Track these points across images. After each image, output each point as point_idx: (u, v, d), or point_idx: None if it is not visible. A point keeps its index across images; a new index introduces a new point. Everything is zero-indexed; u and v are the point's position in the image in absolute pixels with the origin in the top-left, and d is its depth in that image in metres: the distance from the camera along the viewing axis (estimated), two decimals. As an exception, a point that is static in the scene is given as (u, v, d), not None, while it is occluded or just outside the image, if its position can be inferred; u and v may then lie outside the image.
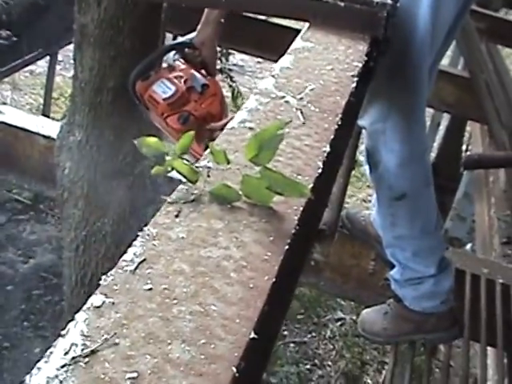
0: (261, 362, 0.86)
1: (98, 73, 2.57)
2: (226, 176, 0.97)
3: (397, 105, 2.14)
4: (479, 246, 3.56)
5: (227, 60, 6.05)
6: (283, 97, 1.24)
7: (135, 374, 0.67)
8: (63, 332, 0.71)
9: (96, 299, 0.75)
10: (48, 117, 5.26)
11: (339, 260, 3.12)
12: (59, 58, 5.85)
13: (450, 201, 4.90)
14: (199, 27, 2.38)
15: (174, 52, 2.45)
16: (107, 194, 2.70)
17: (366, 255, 3.11)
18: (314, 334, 4.97)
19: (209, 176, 0.96)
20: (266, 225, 0.91)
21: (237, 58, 7.42)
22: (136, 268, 0.79)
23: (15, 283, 4.76)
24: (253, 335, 0.74)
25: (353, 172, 2.72)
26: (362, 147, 2.60)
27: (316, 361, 4.77)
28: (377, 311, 2.57)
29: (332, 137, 1.15)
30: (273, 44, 3.31)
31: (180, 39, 2.63)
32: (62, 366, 0.67)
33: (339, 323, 5.06)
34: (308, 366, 4.72)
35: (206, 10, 2.34)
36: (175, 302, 0.76)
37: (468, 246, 4.77)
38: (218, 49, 2.61)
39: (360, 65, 1.46)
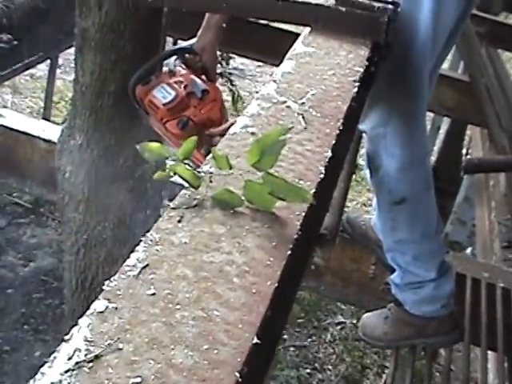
0: (263, 367, 0.86)
1: (98, 77, 2.57)
2: (229, 181, 0.98)
3: (397, 109, 2.14)
4: (480, 250, 3.56)
5: (228, 64, 6.05)
6: (285, 102, 1.24)
7: (139, 379, 0.67)
8: (67, 337, 0.71)
9: (99, 304, 0.75)
10: (48, 120, 5.26)
11: (340, 264, 3.12)
12: (60, 61, 5.85)
13: (451, 205, 4.90)
14: (200, 32, 2.39)
15: (174, 57, 2.46)
16: (108, 198, 2.70)
17: (366, 259, 3.11)
18: (314, 338, 4.96)
19: (211, 181, 0.96)
20: (269, 230, 0.91)
21: (237, 61, 7.42)
22: (139, 273, 0.79)
23: (15, 287, 4.76)
24: (256, 340, 0.74)
25: (353, 176, 2.73)
26: (362, 151, 2.61)
27: (316, 365, 4.76)
28: (377, 315, 2.57)
29: (333, 142, 1.15)
30: (273, 48, 3.31)
31: (181, 44, 2.64)
32: (66, 371, 0.67)
33: (339, 327, 5.05)
34: (308, 370, 4.71)
35: (206, 15, 2.35)
36: (178, 307, 0.76)
37: (468, 250, 4.76)
38: (219, 53, 2.62)
39: (361, 70, 1.46)
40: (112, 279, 0.78)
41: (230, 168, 0.97)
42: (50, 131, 3.49)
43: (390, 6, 1.68)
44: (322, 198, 1.10)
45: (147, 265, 0.81)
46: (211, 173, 0.98)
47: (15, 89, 6.79)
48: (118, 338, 0.71)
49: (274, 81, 1.32)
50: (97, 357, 0.69)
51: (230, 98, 5.97)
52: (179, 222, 0.89)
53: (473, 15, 3.84)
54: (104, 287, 0.77)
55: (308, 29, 1.71)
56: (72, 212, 2.75)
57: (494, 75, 4.26)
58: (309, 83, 1.34)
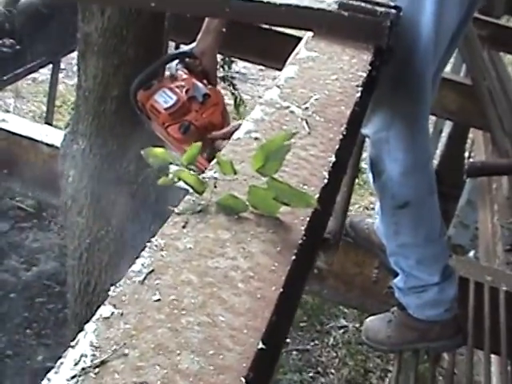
0: (268, 372, 0.86)
1: (101, 81, 2.58)
2: (233, 186, 0.98)
3: (400, 113, 2.14)
4: (482, 254, 3.56)
5: (230, 68, 6.06)
6: (288, 107, 1.24)
7: (145, 385, 0.67)
8: (73, 343, 0.71)
9: (105, 310, 0.75)
10: (51, 125, 5.27)
11: (342, 268, 3.12)
12: (62, 65, 5.85)
13: (453, 208, 4.90)
14: (199, 37, 2.40)
15: (176, 61, 2.46)
16: (111, 202, 2.71)
17: (369, 263, 3.10)
18: (316, 342, 4.96)
19: (215, 186, 0.96)
20: (273, 235, 0.91)
21: (239, 65, 7.43)
22: (144, 279, 0.80)
23: (18, 291, 4.76)
24: (261, 345, 0.75)
25: (356, 180, 2.73)
26: (364, 155, 2.61)
27: (319, 368, 4.76)
28: (380, 319, 2.57)
29: (337, 147, 1.15)
30: (275, 52, 3.32)
31: (182, 48, 2.65)
32: (72, 377, 0.67)
33: (342, 331, 5.05)
34: (311, 374, 4.71)
35: (206, 20, 2.35)
36: (184, 312, 0.76)
37: (471, 253, 4.77)
38: (221, 57, 2.62)
39: (364, 74, 1.46)
40: (117, 285, 0.78)
41: (235, 173, 0.98)
42: (53, 136, 3.50)
43: (392, 11, 1.68)
44: (326, 202, 1.10)
45: (152, 270, 0.81)
46: (216, 178, 0.98)
47: (17, 93, 6.80)
48: (124, 344, 0.71)
49: (278, 86, 1.33)
50: (103, 362, 0.69)
51: (232, 102, 5.98)
52: (184, 227, 0.89)
53: (475, 18, 3.84)
54: (109, 293, 0.77)
55: (310, 33, 1.71)
56: (75, 216, 2.76)
57: (496, 78, 4.27)
58: (312, 88, 1.34)
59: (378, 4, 1.67)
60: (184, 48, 2.54)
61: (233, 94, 6.05)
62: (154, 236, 0.88)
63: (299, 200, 0.94)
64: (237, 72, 7.27)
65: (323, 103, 1.29)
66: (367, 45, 1.63)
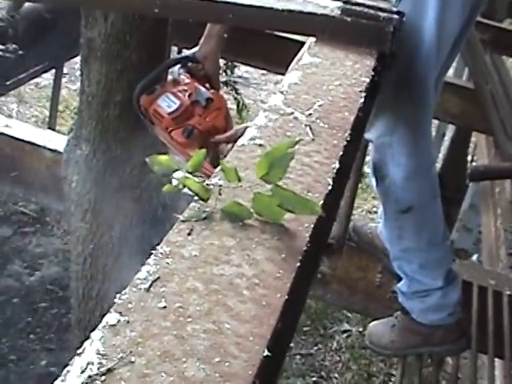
0: (273, 378, 0.87)
1: (104, 87, 2.58)
2: (238, 194, 0.98)
3: (403, 118, 2.15)
4: (486, 258, 3.56)
5: (232, 72, 6.07)
6: (292, 113, 1.25)
7: (151, 393, 0.68)
8: (79, 350, 0.71)
9: (111, 318, 0.75)
10: (54, 129, 5.27)
11: (346, 272, 3.12)
12: (65, 70, 5.86)
13: (456, 212, 4.89)
14: (202, 41, 2.40)
15: (178, 66, 2.47)
16: (114, 208, 2.71)
17: (372, 268, 3.10)
18: (320, 346, 4.96)
19: (220, 194, 0.97)
20: (278, 242, 0.92)
21: (242, 69, 7.43)
22: (150, 286, 0.80)
23: (21, 296, 4.76)
24: (266, 353, 0.75)
25: (359, 184, 2.73)
26: (367, 158, 2.61)
27: (322, 373, 4.76)
28: (384, 324, 2.57)
29: (341, 153, 1.16)
30: (278, 56, 3.32)
31: (184, 53, 2.65)
32: (79, 385, 0.68)
33: (345, 335, 5.05)
34: (314, 379, 4.70)
35: (208, 24, 2.36)
36: (189, 320, 0.77)
37: (474, 257, 4.76)
38: (223, 61, 2.63)
39: (367, 80, 1.47)
40: (123, 292, 0.79)
41: (239, 180, 0.98)
42: (56, 141, 3.50)
43: (395, 16, 1.68)
44: (330, 209, 1.11)
45: (158, 278, 0.81)
46: (220, 185, 0.98)
47: (20, 98, 6.81)
48: (131, 352, 0.71)
49: (281, 92, 1.33)
50: (109, 370, 0.69)
51: (234, 107, 5.98)
52: (189, 234, 0.90)
53: (477, 22, 3.83)
54: (115, 300, 0.77)
55: (313, 39, 1.72)
56: (78, 221, 2.76)
57: (498, 82, 4.27)
58: (316, 94, 1.34)
59: (380, 9, 1.67)
60: (186, 52, 2.55)
61: (235, 98, 6.06)
62: (159, 243, 0.88)
63: (304, 207, 0.94)
64: (239, 76, 7.28)
65: (327, 109, 1.29)
66: (370, 50, 1.64)
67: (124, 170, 2.66)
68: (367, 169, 3.15)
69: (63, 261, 4.87)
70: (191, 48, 2.48)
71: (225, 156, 2.06)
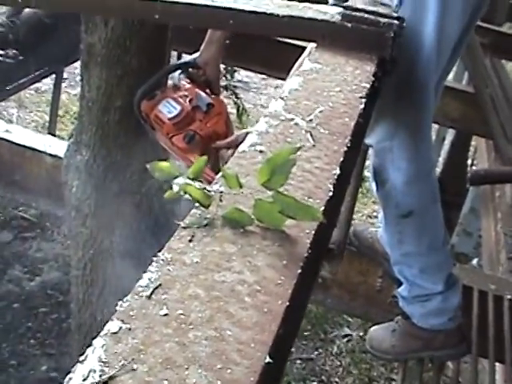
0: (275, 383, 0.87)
1: (105, 92, 2.58)
2: (239, 200, 0.98)
3: (403, 123, 2.15)
4: (486, 262, 3.56)
5: (232, 77, 6.07)
6: (292, 119, 1.25)
7: (154, 400, 0.68)
8: (81, 358, 0.72)
9: (113, 325, 0.75)
10: (54, 135, 5.28)
11: (346, 277, 3.12)
12: (64, 75, 5.87)
13: (456, 216, 4.89)
14: (203, 47, 2.41)
15: (179, 71, 2.47)
16: (114, 213, 2.71)
17: (373, 272, 3.10)
18: (320, 351, 4.96)
19: (221, 200, 0.97)
20: (279, 249, 0.92)
21: (242, 74, 7.44)
22: (152, 293, 0.80)
23: (21, 301, 4.76)
24: (268, 359, 0.75)
25: (359, 188, 2.73)
26: (367, 163, 2.61)
27: (323, 377, 4.76)
28: (385, 328, 2.57)
29: (341, 159, 1.16)
30: (278, 61, 3.33)
31: (184, 58, 2.65)
32: (82, 393, 0.68)
33: (346, 339, 5.05)
34: (315, 383, 4.71)
35: (209, 30, 2.36)
36: (191, 327, 0.77)
37: (474, 261, 4.76)
38: (223, 66, 2.63)
39: (368, 86, 1.47)
40: (125, 300, 0.79)
41: (240, 187, 0.98)
42: (57, 146, 3.51)
43: (395, 22, 1.68)
44: (331, 214, 1.11)
45: (160, 285, 0.81)
46: (221, 192, 0.98)
47: (20, 103, 6.82)
48: (132, 359, 0.71)
49: (282, 98, 1.33)
50: (111, 378, 0.69)
51: (234, 111, 5.99)
52: (190, 241, 0.90)
53: (477, 26, 3.83)
54: (117, 308, 0.77)
55: (313, 44, 1.72)
56: (79, 227, 2.76)
57: (498, 86, 4.27)
58: (316, 100, 1.35)
59: (381, 15, 1.68)
60: (187, 58, 2.55)
61: (235, 102, 6.06)
62: (160, 249, 0.88)
63: (305, 213, 0.94)
64: (239, 81, 7.29)
65: (327, 115, 1.30)
66: (370, 56, 1.64)
67: (124, 176, 2.66)
68: (367, 173, 3.16)
69: (63, 266, 4.87)
70: (192, 53, 2.48)
71: (226, 162, 2.07)
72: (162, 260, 0.86)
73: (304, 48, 2.11)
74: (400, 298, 2.44)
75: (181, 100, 2.37)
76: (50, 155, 3.50)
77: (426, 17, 2.01)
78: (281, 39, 3.75)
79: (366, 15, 1.67)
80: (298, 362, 4.80)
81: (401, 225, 2.28)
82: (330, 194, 1.05)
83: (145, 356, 0.72)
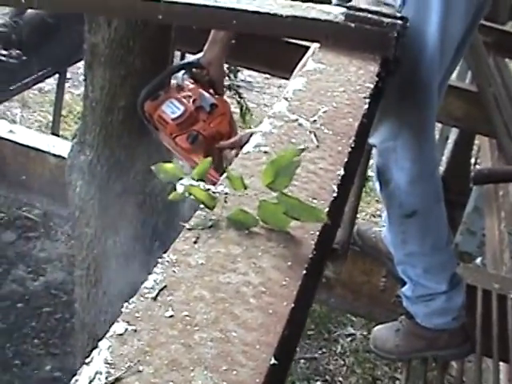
0: (280, 384, 0.87)
1: (108, 92, 2.59)
2: (243, 201, 0.98)
3: (407, 123, 2.15)
4: (490, 261, 3.56)
5: (235, 76, 6.07)
6: (296, 120, 1.25)
7: (159, 402, 0.68)
8: (87, 360, 0.72)
9: (119, 327, 0.75)
10: (57, 134, 5.28)
11: (350, 277, 3.12)
12: (68, 75, 5.87)
13: (460, 215, 4.89)
14: (206, 47, 2.41)
15: (182, 71, 2.47)
16: (118, 213, 2.72)
17: (377, 272, 3.11)
18: (324, 350, 4.95)
19: (226, 202, 0.97)
20: (284, 250, 0.92)
21: (245, 73, 7.44)
22: (157, 295, 0.80)
23: (25, 301, 4.77)
24: (273, 361, 0.75)
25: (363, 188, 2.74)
26: (370, 162, 2.61)
27: (327, 377, 4.76)
28: (388, 328, 2.57)
29: (346, 160, 1.16)
30: (281, 61, 3.33)
31: (188, 59, 2.65)
32: (88, 395, 0.68)
33: (350, 339, 5.05)
34: (319, 383, 4.70)
35: (212, 30, 2.36)
36: (196, 328, 0.77)
37: (478, 260, 4.76)
38: (226, 65, 2.63)
39: (371, 86, 1.47)
40: (130, 301, 0.79)
41: (245, 188, 0.98)
42: (60, 147, 3.51)
43: (398, 22, 1.68)
44: (335, 215, 1.11)
45: (165, 286, 0.81)
46: (226, 193, 0.98)
47: (24, 103, 6.82)
48: (138, 361, 0.72)
49: (286, 98, 1.33)
50: (118, 379, 0.69)
51: (238, 111, 5.99)
52: (195, 242, 0.90)
53: (480, 25, 3.83)
54: (123, 309, 0.78)
55: (317, 44, 1.72)
56: (83, 227, 2.77)
57: (501, 85, 4.26)
58: (320, 100, 1.35)
59: (384, 15, 1.68)
60: (191, 58, 2.55)
61: (238, 102, 6.06)
62: (165, 251, 0.89)
63: (309, 215, 0.94)
64: (242, 80, 7.28)
65: (331, 116, 1.30)
66: (374, 56, 1.64)
67: (128, 176, 2.66)
68: (371, 172, 3.16)
69: (67, 266, 4.88)
70: (195, 53, 2.48)
71: (230, 163, 2.07)
72: (167, 261, 0.86)
73: (307, 47, 2.11)
74: (404, 297, 2.44)
75: (184, 100, 2.37)
76: (54, 155, 3.51)
77: (429, 17, 2.01)
78: (284, 38, 3.75)
79: (370, 15, 1.67)
80: (302, 361, 4.80)
81: (404, 225, 2.28)
82: (335, 194, 1.05)
83: (151, 358, 0.72)
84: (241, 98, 6.11)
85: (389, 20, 1.67)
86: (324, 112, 1.30)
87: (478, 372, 2.62)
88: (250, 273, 0.86)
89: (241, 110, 6.08)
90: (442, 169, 5.18)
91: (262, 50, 3.84)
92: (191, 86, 2.43)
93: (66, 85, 5.99)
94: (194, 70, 2.45)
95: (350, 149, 1.20)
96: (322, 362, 4.86)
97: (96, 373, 0.70)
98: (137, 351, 0.73)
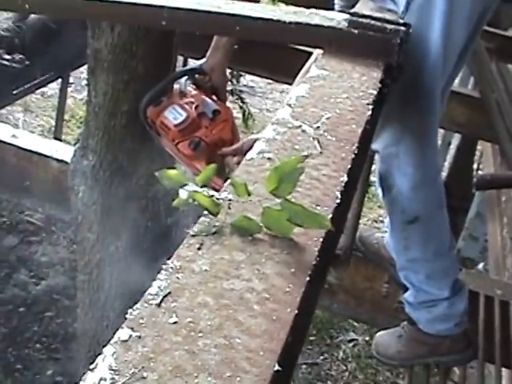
0: (283, 392, 0.87)
1: (111, 97, 2.59)
2: (247, 208, 0.99)
3: (410, 128, 2.15)
4: (492, 267, 3.56)
5: (238, 81, 6.08)
6: (300, 126, 1.25)
7: (164, 408, 0.68)
8: (92, 366, 0.72)
9: (123, 333, 0.76)
10: (60, 139, 5.29)
11: (352, 283, 3.12)
12: (70, 80, 5.89)
13: (462, 221, 4.89)
14: (209, 53, 2.41)
15: (185, 78, 2.47)
16: (121, 218, 2.72)
17: (379, 278, 3.10)
18: (326, 356, 4.95)
19: (230, 208, 0.97)
20: (288, 256, 0.92)
21: (247, 78, 7.45)
22: (161, 301, 0.80)
23: (27, 305, 4.77)
24: (277, 367, 0.75)
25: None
26: (372, 168, 2.61)
27: (329, 382, 4.75)
28: (391, 334, 2.57)
29: (349, 166, 1.16)
30: (284, 66, 3.33)
31: (191, 65, 2.66)
32: (92, 401, 0.68)
33: (352, 344, 5.04)
34: (321, 388, 4.71)
35: (215, 36, 2.37)
36: (200, 334, 0.77)
37: (480, 266, 4.76)
38: (229, 70, 2.63)
39: (374, 92, 1.47)
40: (135, 308, 0.79)
41: (249, 195, 0.98)
42: (63, 151, 3.52)
43: (401, 28, 1.69)
44: (338, 222, 1.11)
45: (169, 293, 0.82)
46: (230, 199, 0.99)
47: (26, 107, 6.84)
48: (143, 367, 0.72)
49: (289, 105, 1.33)
50: (122, 386, 0.70)
51: (240, 116, 5.99)
52: (199, 249, 0.90)
53: (482, 30, 3.83)
54: (127, 316, 0.78)
55: (320, 50, 1.72)
56: (85, 232, 2.77)
57: (504, 90, 4.26)
58: (323, 107, 1.35)
59: (387, 21, 1.68)
60: (193, 64, 2.56)
61: (241, 107, 6.07)
62: (169, 257, 0.89)
63: (313, 221, 0.95)
64: (245, 85, 7.30)
65: (334, 122, 1.30)
66: (377, 62, 1.64)
67: (130, 181, 2.67)
68: (373, 178, 3.16)
69: (69, 270, 4.88)
70: (198, 58, 2.49)
71: (231, 169, 2.07)
72: (172, 268, 0.86)
73: (309, 53, 2.12)
74: (406, 303, 2.44)
75: (187, 106, 2.37)
76: (57, 160, 3.52)
77: (432, 23, 2.01)
78: (286, 44, 3.75)
79: (373, 22, 1.67)
80: (304, 366, 4.80)
81: (407, 231, 2.27)
82: (338, 201, 1.06)
83: (155, 364, 0.72)
84: (243, 102, 6.12)
85: (392, 26, 1.67)
86: (327, 118, 1.30)
87: (481, 378, 2.61)
88: (254, 279, 0.87)
89: (243, 114, 6.09)
90: (444, 174, 5.18)
91: (264, 55, 3.84)
92: (194, 92, 2.43)
93: (69, 89, 6.00)
94: (196, 76, 2.46)
95: (353, 155, 1.20)
96: (324, 367, 4.86)
97: (100, 379, 0.70)
98: (141, 357, 0.73)
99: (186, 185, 0.97)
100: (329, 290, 3.02)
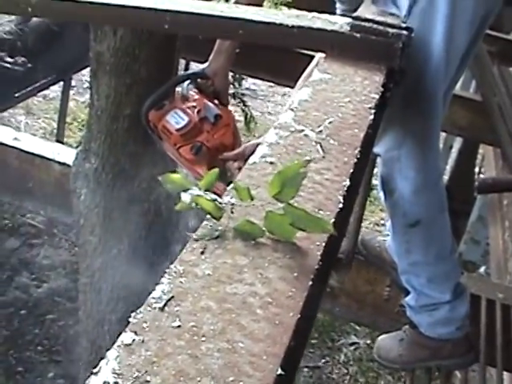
0: (286, 396, 0.87)
1: (114, 100, 2.59)
2: (250, 212, 0.99)
3: (411, 132, 2.15)
4: (494, 270, 3.56)
5: (240, 85, 6.09)
6: (302, 130, 1.25)
7: (167, 412, 0.68)
8: (95, 370, 0.72)
9: (126, 337, 0.76)
10: (62, 142, 5.30)
11: (354, 286, 3.12)
12: (72, 83, 5.89)
13: (464, 225, 4.89)
14: (211, 57, 2.41)
15: (187, 82, 2.47)
16: (123, 221, 2.72)
17: (381, 281, 3.10)
18: (327, 359, 4.95)
19: (232, 212, 0.97)
20: (290, 261, 0.92)
21: (249, 81, 7.45)
22: (164, 305, 0.80)
23: (29, 308, 4.78)
24: (280, 371, 0.75)
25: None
26: (374, 171, 2.61)
27: (330, 385, 4.76)
28: (392, 338, 2.57)
29: (351, 170, 1.16)
30: (285, 69, 3.33)
31: (193, 69, 2.66)
32: (96, 404, 0.69)
33: (353, 347, 5.04)
34: (322, 391, 4.71)
35: (218, 40, 2.37)
36: (203, 339, 0.77)
37: (482, 269, 4.76)
38: (231, 74, 2.63)
39: (377, 96, 1.47)
40: (138, 311, 0.79)
41: (252, 199, 0.99)
42: (65, 154, 3.52)
43: (404, 32, 1.69)
44: (341, 226, 1.11)
45: (172, 297, 0.82)
46: (232, 204, 0.99)
47: (28, 110, 6.84)
48: (146, 371, 0.72)
49: (292, 109, 1.34)
50: (125, 390, 0.70)
51: (242, 119, 6.00)
52: (202, 253, 0.90)
53: (484, 34, 3.83)
54: (130, 319, 0.78)
55: (322, 54, 1.73)
56: (87, 235, 2.77)
57: (506, 94, 4.26)
58: (326, 111, 1.35)
59: (389, 25, 1.68)
60: (196, 68, 2.56)
61: (243, 110, 6.07)
62: (172, 262, 0.89)
63: (315, 226, 0.95)
64: (247, 88, 7.30)
65: (337, 126, 1.30)
66: (379, 66, 1.64)
67: (133, 184, 2.67)
68: (375, 181, 3.16)
69: (71, 273, 4.89)
70: (200, 62, 2.49)
71: (232, 174, 2.07)
72: (175, 272, 0.86)
73: (311, 56, 2.12)
74: (407, 307, 2.44)
75: (189, 111, 2.37)
76: (59, 163, 3.52)
77: (434, 27, 2.01)
78: (289, 48, 3.75)
79: (375, 25, 1.67)
80: (305, 370, 4.80)
81: (408, 234, 2.28)
82: (341, 205, 1.06)
83: (158, 368, 0.73)
84: (245, 106, 6.12)
85: (394, 30, 1.68)
86: (330, 122, 1.30)
87: (482, 382, 2.62)
88: (257, 283, 0.87)
89: (245, 118, 6.09)
90: (446, 178, 5.18)
91: (266, 59, 3.84)
92: (196, 96, 2.43)
93: (71, 92, 6.00)
94: (198, 80, 2.46)
95: (355, 159, 1.20)
96: (326, 370, 4.86)
97: (104, 383, 0.70)
98: (144, 361, 0.73)
99: (188, 189, 0.98)
100: (331, 294, 3.02)
